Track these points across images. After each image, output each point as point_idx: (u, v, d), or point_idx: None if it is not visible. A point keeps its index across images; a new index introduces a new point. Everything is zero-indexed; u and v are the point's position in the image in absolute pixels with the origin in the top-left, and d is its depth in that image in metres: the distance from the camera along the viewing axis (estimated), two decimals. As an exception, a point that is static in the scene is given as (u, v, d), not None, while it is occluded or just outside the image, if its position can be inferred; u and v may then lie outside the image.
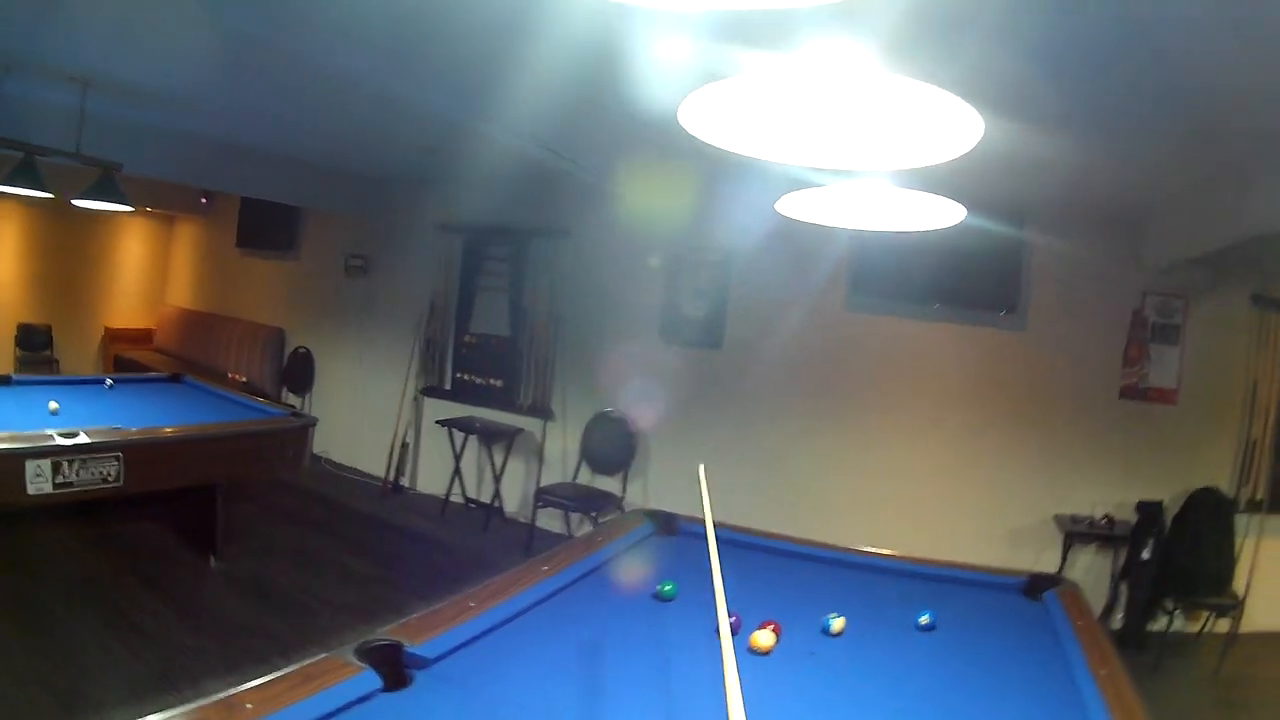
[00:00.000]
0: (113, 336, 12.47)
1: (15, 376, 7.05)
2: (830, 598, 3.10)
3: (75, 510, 5.47)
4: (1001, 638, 2.94)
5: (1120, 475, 6.60)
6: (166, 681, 4.24)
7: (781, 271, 7.01)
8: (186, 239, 12.75)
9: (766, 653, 2.55)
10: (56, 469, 4.71)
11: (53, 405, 5.89)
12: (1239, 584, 6.37)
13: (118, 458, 4.94)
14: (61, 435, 4.81)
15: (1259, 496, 6.52)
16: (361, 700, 1.95)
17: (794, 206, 3.26)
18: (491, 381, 8.46)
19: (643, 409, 7.49)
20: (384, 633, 2.23)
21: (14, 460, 4.54)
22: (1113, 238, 6.61)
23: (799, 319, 7.15)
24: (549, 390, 8.07)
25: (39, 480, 4.66)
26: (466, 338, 8.71)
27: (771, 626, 2.64)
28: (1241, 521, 6.43)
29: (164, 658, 4.56)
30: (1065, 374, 6.76)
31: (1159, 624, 6.45)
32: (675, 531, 3.80)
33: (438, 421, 8.33)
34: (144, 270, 13.06)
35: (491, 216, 8.31)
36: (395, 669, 2.09)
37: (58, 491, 4.71)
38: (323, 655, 2.08)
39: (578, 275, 8.02)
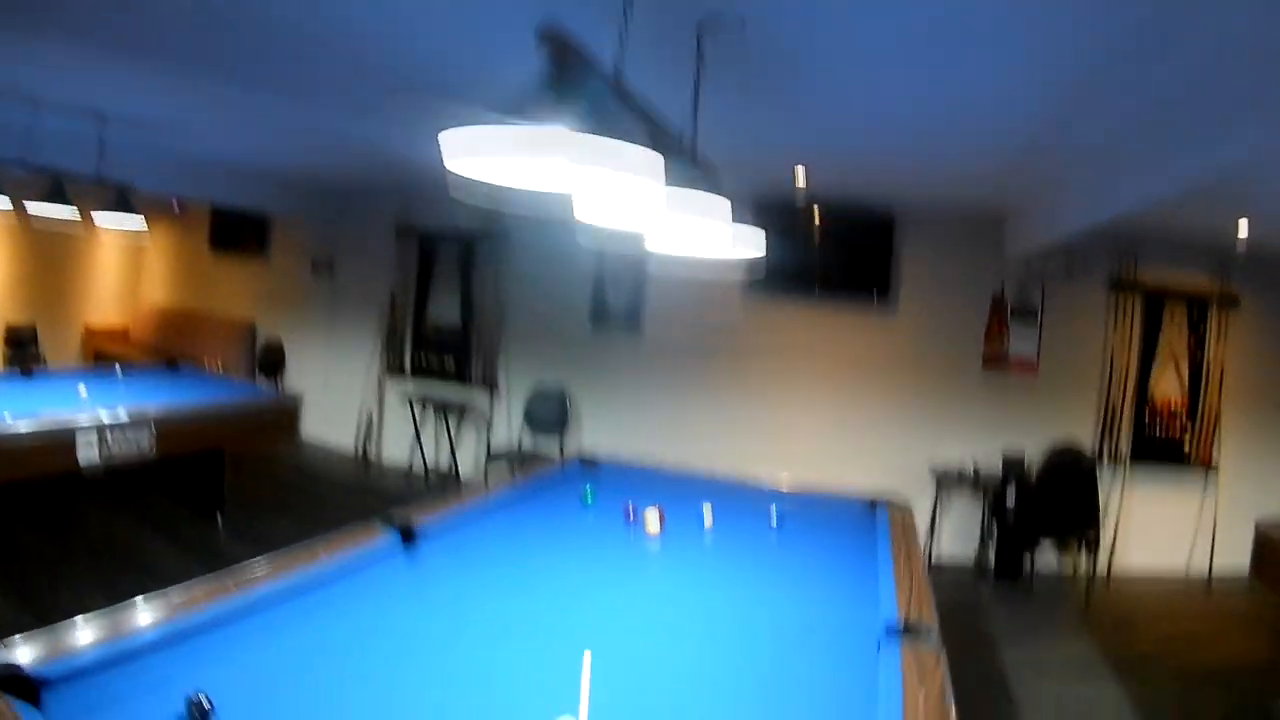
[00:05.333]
0: (92, 335, 12.97)
1: (36, 369, 8.03)
2: (710, 498, 4.41)
3: (103, 484, 6.53)
4: (834, 529, 4.26)
5: (987, 432, 7.79)
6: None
7: (689, 264, 8.07)
8: (160, 242, 13.29)
9: (656, 533, 3.88)
10: (102, 440, 5.69)
11: (81, 389, 6.86)
12: (1107, 528, 7.49)
13: (150, 429, 6.00)
14: (105, 412, 5.84)
15: (1121, 451, 7.65)
16: (388, 552, 3.19)
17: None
18: (446, 361, 9.63)
19: (575, 382, 8.82)
20: (399, 514, 3.45)
21: (67, 434, 5.50)
22: (976, 234, 7.81)
23: (704, 306, 8.44)
24: (495, 368, 9.28)
25: (87, 449, 5.62)
26: (423, 325, 9.82)
27: (657, 510, 3.95)
28: (1106, 474, 7.58)
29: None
30: (933, 348, 7.99)
31: (1039, 561, 7.51)
32: (596, 465, 5.13)
33: (401, 397, 9.54)
34: (121, 272, 13.60)
35: (443, 220, 9.43)
36: (408, 536, 3.32)
37: (101, 461, 5.68)
38: (360, 524, 3.30)
39: (519, 271, 9.20)
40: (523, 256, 9.12)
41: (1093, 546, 7.33)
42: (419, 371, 9.82)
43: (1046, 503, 7.28)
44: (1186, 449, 7.71)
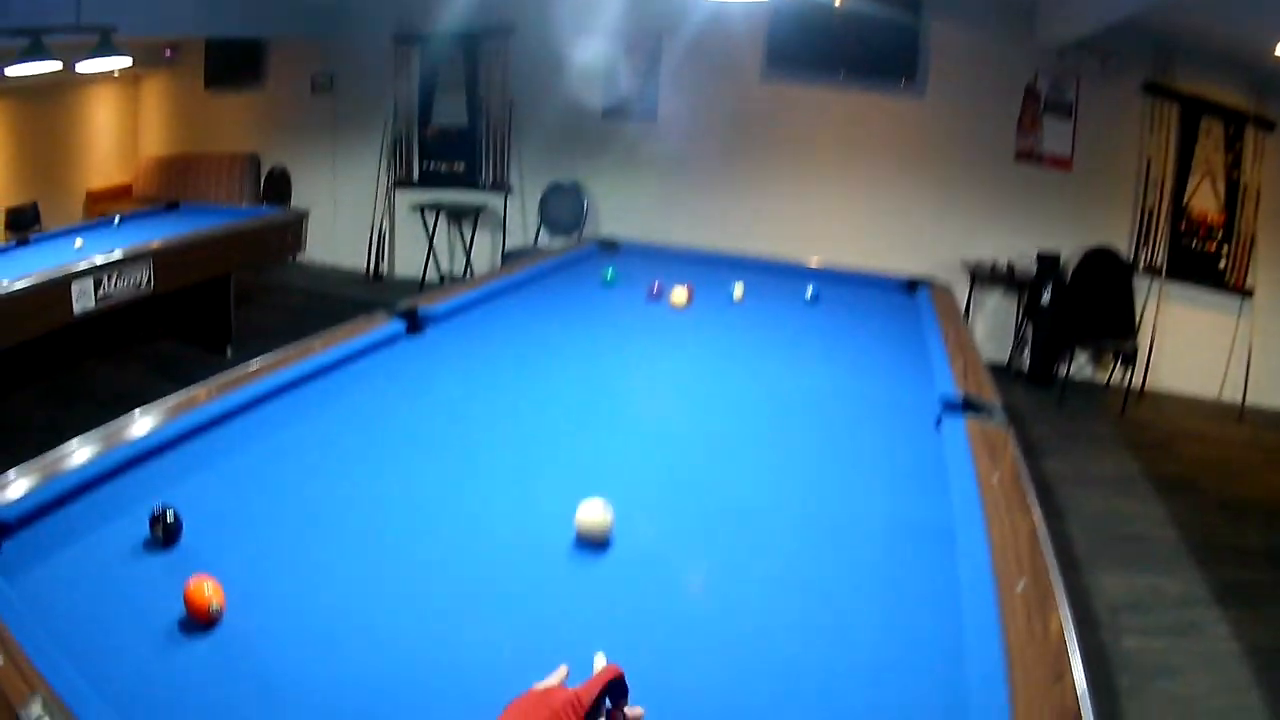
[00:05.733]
0: (95, 199, 12.52)
1: (32, 236, 7.66)
2: (739, 277, 4.10)
3: (106, 332, 6.25)
4: (873, 307, 3.96)
5: (1020, 228, 7.38)
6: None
7: (704, 48, 7.61)
8: (155, 93, 12.78)
9: (683, 306, 3.59)
10: (98, 285, 5.40)
11: (77, 241, 6.46)
12: (1143, 339, 7.11)
13: (148, 264, 5.70)
14: (100, 256, 5.46)
15: (1158, 262, 7.20)
16: (392, 340, 2.89)
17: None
18: (455, 166, 9.21)
19: (591, 177, 8.43)
20: (404, 302, 3.14)
21: (61, 284, 5.14)
22: (1008, 16, 7.18)
23: (721, 90, 7.91)
24: (507, 168, 8.85)
25: (83, 299, 5.29)
26: (429, 131, 9.38)
27: (686, 286, 3.64)
28: (1143, 284, 7.17)
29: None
30: (963, 137, 7.46)
31: (1072, 367, 7.20)
32: (617, 248, 4.79)
33: (411, 208, 9.16)
34: (117, 131, 13.11)
35: (443, 22, 8.75)
36: (414, 322, 3.01)
37: (98, 305, 5.37)
38: (363, 316, 3.00)
39: (525, 66, 8.62)
40: (528, 52, 8.55)
41: (1130, 359, 6.98)
42: (427, 179, 9.42)
43: (1083, 305, 6.97)
44: (1222, 265, 7.25)
